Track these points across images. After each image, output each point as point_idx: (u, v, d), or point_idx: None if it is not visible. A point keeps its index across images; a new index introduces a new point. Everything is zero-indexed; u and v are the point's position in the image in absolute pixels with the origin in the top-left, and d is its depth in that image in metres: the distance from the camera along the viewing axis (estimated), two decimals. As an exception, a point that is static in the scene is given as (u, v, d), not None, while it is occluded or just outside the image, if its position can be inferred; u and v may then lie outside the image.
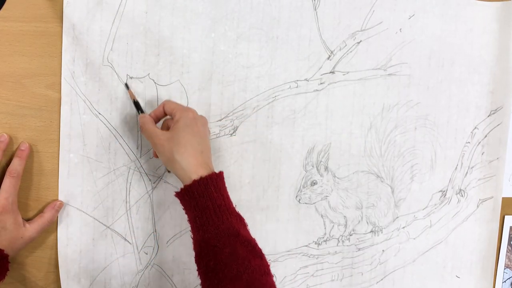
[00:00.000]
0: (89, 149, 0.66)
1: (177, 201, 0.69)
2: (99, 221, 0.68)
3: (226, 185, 0.60)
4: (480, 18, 0.77)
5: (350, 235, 0.77)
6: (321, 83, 0.73)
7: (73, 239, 0.67)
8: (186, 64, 0.68)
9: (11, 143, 0.64)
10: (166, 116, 0.65)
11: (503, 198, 0.82)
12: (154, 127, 0.62)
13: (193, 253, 0.58)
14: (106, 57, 0.65)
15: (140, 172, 0.68)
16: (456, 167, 0.80)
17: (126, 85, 0.66)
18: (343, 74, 0.73)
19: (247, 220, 0.59)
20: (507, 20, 0.78)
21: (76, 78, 0.65)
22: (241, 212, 0.59)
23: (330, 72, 0.73)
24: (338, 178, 0.75)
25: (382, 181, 0.77)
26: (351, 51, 0.73)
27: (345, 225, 0.77)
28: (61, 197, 0.66)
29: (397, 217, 0.78)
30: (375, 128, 0.76)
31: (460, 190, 0.80)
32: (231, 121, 0.71)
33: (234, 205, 0.59)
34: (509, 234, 0.84)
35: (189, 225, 0.59)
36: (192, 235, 0.58)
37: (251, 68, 0.70)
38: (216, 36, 0.69)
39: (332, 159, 0.75)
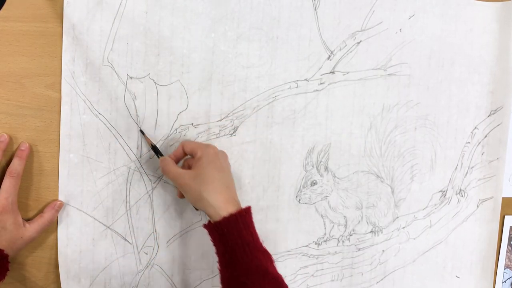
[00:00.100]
0: (89, 149, 0.66)
1: (177, 201, 0.69)
2: (99, 221, 0.68)
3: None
4: (480, 18, 0.77)
5: (350, 235, 0.77)
6: (321, 83, 0.73)
7: (73, 239, 0.67)
8: (186, 64, 0.68)
9: (11, 143, 0.64)
10: (186, 156, 0.66)
11: (503, 198, 0.82)
12: (177, 168, 0.63)
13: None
14: (106, 57, 0.65)
15: (140, 172, 0.68)
16: (456, 167, 0.80)
17: (141, 131, 0.67)
18: (343, 74, 0.73)
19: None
20: (507, 20, 0.78)
21: (76, 78, 0.65)
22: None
23: (330, 72, 0.73)
24: (338, 178, 0.75)
25: (382, 181, 0.77)
26: (351, 51, 0.73)
27: (345, 225, 0.77)
28: (61, 197, 0.66)
29: (397, 217, 0.78)
30: (375, 128, 0.76)
31: (460, 190, 0.80)
32: (231, 121, 0.71)
33: (261, 240, 0.60)
34: (509, 234, 0.84)
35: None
36: (219, 267, 0.59)
37: (251, 68, 0.70)
38: (216, 36, 0.69)
39: (332, 159, 0.75)
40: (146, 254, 0.70)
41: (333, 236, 0.77)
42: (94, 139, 0.66)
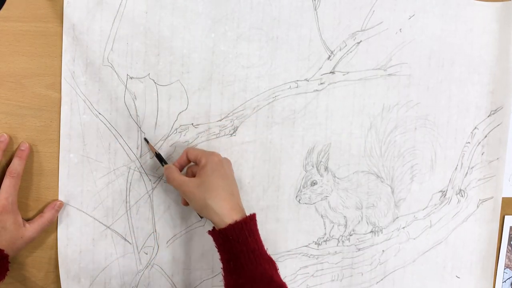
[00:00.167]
0: (89, 149, 0.66)
1: (177, 201, 0.69)
2: (99, 221, 0.68)
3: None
4: (480, 18, 0.77)
5: (350, 235, 0.77)
6: (321, 83, 0.73)
7: (73, 239, 0.67)
8: (186, 64, 0.68)
9: (11, 143, 0.64)
10: (189, 164, 0.66)
11: (503, 198, 0.82)
12: (181, 176, 0.63)
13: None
14: (106, 57, 0.65)
15: (140, 172, 0.68)
16: (456, 167, 0.80)
17: (146, 140, 0.67)
18: (343, 74, 0.73)
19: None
20: (507, 20, 0.78)
21: (76, 78, 0.65)
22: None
23: (330, 72, 0.73)
24: (338, 178, 0.75)
25: (382, 181, 0.77)
26: (351, 51, 0.73)
27: (345, 225, 0.77)
28: (61, 197, 0.66)
29: (397, 217, 0.78)
30: (375, 128, 0.76)
31: (460, 190, 0.80)
32: (231, 121, 0.71)
33: (266, 248, 0.60)
34: (509, 234, 0.84)
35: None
36: (223, 274, 0.59)
37: (251, 68, 0.70)
38: (216, 36, 0.69)
39: (332, 159, 0.75)
40: (146, 254, 0.70)
41: (333, 236, 0.77)
42: (94, 139, 0.66)
